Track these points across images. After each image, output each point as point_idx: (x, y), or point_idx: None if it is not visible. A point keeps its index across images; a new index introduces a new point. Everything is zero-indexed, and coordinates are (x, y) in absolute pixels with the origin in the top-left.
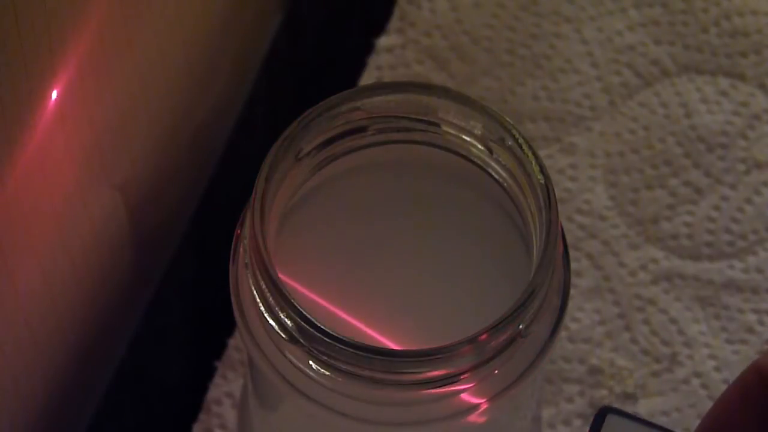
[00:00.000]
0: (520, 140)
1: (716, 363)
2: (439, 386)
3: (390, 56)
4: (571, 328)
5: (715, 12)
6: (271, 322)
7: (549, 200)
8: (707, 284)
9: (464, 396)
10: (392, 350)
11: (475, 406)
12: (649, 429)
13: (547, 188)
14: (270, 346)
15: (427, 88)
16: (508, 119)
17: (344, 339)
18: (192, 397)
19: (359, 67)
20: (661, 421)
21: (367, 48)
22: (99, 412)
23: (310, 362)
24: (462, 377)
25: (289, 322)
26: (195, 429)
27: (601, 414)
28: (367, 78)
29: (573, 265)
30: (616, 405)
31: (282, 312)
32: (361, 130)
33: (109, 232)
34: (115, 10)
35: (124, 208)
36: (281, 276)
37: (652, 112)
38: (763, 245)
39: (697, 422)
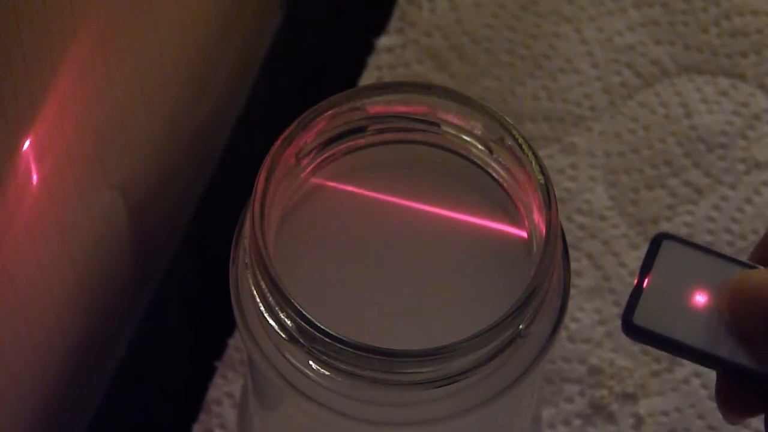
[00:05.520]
0: (520, 140)
1: None
2: (439, 386)
3: (390, 56)
4: (571, 328)
5: (715, 12)
6: (271, 322)
7: (549, 200)
8: None
9: (464, 396)
10: (392, 350)
11: (475, 406)
12: (704, 254)
13: (547, 188)
14: (270, 346)
15: (427, 88)
16: (508, 119)
17: (344, 339)
18: (192, 397)
19: (359, 67)
20: (660, 421)
21: (367, 48)
22: (99, 412)
23: (310, 362)
24: (462, 377)
25: (289, 322)
26: (195, 429)
27: (657, 240)
28: (367, 78)
29: (573, 265)
30: (616, 405)
31: (282, 312)
32: (361, 130)
33: (109, 232)
34: (115, 10)
35: (124, 208)
36: (281, 276)
37: (652, 112)
38: None
39: (697, 422)
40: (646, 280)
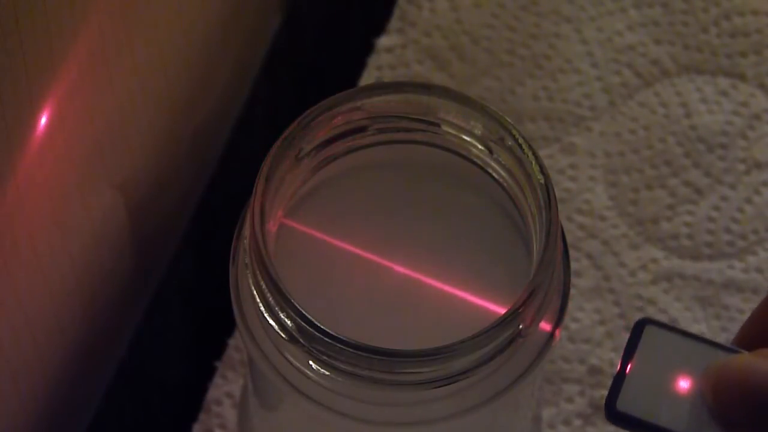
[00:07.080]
0: (520, 140)
1: None
2: (439, 386)
3: (390, 56)
4: (571, 328)
5: (715, 12)
6: (271, 322)
7: (549, 200)
8: (707, 284)
9: (464, 396)
10: (392, 350)
11: (475, 406)
12: (687, 339)
13: (547, 188)
14: (270, 346)
15: (427, 88)
16: (508, 119)
17: (344, 339)
18: (192, 397)
19: (359, 67)
20: None
21: (367, 48)
22: (99, 412)
23: (310, 362)
24: (462, 377)
25: (289, 322)
26: (195, 429)
27: (639, 325)
28: (367, 78)
29: (573, 265)
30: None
31: (282, 312)
32: (361, 130)
33: (109, 232)
34: (115, 10)
35: (124, 208)
36: (281, 276)
37: (652, 112)
38: (763, 245)
39: None
40: (629, 366)
